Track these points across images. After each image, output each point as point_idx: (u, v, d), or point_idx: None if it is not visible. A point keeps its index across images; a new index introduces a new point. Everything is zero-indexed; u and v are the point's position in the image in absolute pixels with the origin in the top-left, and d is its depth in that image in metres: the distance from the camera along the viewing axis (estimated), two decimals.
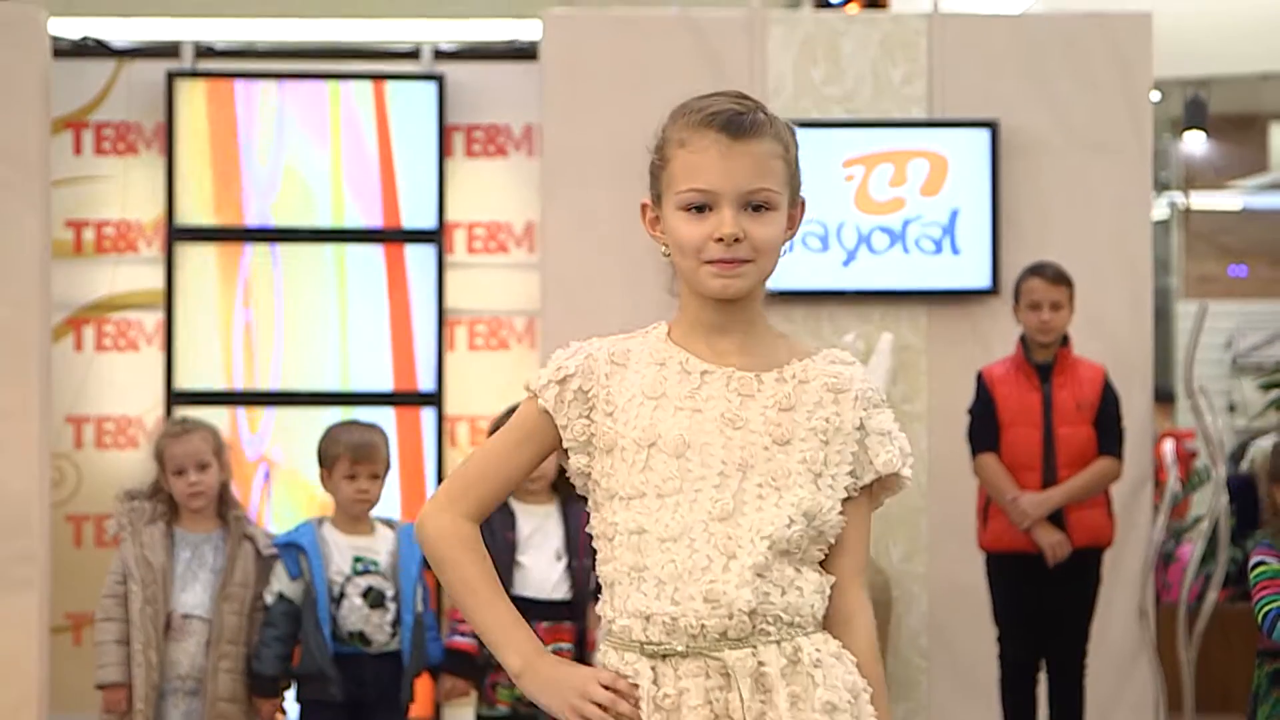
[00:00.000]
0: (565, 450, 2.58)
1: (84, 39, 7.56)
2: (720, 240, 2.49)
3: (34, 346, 6.58)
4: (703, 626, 2.45)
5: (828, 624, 2.53)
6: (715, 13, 7.05)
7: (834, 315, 6.92)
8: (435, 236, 7.38)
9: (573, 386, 2.55)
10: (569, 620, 5.20)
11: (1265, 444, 9.23)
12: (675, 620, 2.45)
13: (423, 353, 7.37)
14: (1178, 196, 13.15)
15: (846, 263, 6.92)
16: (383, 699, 5.23)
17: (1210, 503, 7.32)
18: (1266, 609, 4.58)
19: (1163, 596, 7.88)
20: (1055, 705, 6.24)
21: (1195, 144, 12.68)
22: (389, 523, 5.38)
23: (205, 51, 7.60)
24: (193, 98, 7.38)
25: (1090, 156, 6.98)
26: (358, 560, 5.22)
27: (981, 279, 6.92)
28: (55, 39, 6.96)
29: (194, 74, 7.43)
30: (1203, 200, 13.26)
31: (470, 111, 7.51)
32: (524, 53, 7.44)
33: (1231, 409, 11.63)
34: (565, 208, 6.86)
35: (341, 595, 5.17)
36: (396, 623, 5.21)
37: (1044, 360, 6.20)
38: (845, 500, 2.54)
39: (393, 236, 7.39)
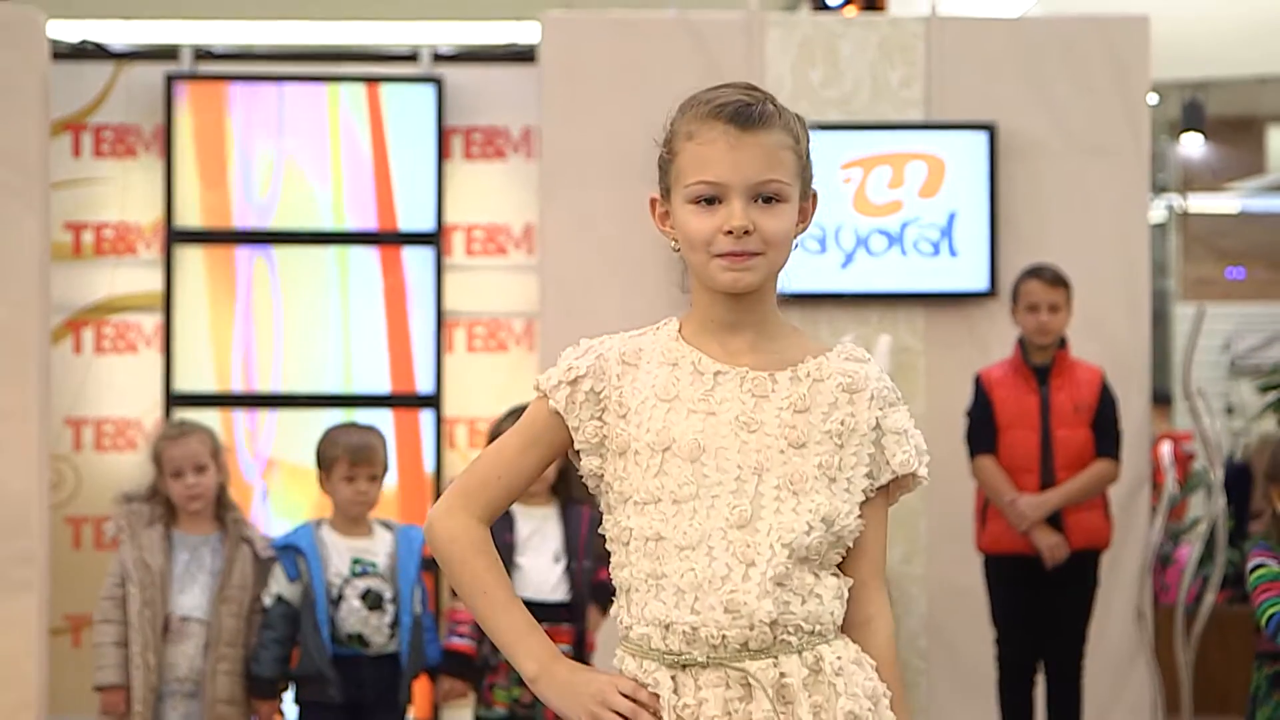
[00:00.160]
0: (577, 451, 2.54)
1: (83, 42, 7.57)
2: (730, 233, 2.45)
3: (33, 348, 6.59)
4: (724, 637, 2.41)
5: (847, 626, 2.51)
6: (713, 15, 7.06)
7: (832, 317, 6.93)
8: (434, 239, 7.39)
9: (584, 388, 2.51)
10: (568, 622, 5.20)
11: (1262, 430, 9.26)
12: (696, 630, 2.42)
13: (421, 355, 7.38)
14: (1175, 199, 13.17)
15: (844, 265, 6.93)
16: (381, 700, 5.23)
17: (1208, 504, 7.33)
18: (1270, 612, 4.58)
19: (1160, 598, 7.88)
20: (1053, 706, 6.24)
21: (1193, 147, 12.69)
22: (387, 525, 5.38)
23: (204, 54, 7.61)
24: (191, 100, 7.39)
25: (1088, 159, 6.99)
26: (356, 562, 5.22)
27: (979, 281, 6.93)
28: (54, 42, 6.97)
29: (193, 77, 7.44)
30: (1200, 203, 13.28)
31: (469, 114, 7.52)
32: (523, 55, 7.45)
33: (1229, 411, 11.63)
34: (564, 210, 6.86)
35: (340, 597, 5.18)
36: (395, 624, 5.21)
37: (1042, 362, 6.21)
38: (862, 501, 2.50)
39: (392, 239, 7.40)
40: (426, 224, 7.40)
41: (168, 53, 7.58)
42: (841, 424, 2.48)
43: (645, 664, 2.46)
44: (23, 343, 6.57)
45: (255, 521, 6.55)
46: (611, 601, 2.57)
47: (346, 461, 5.25)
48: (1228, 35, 10.52)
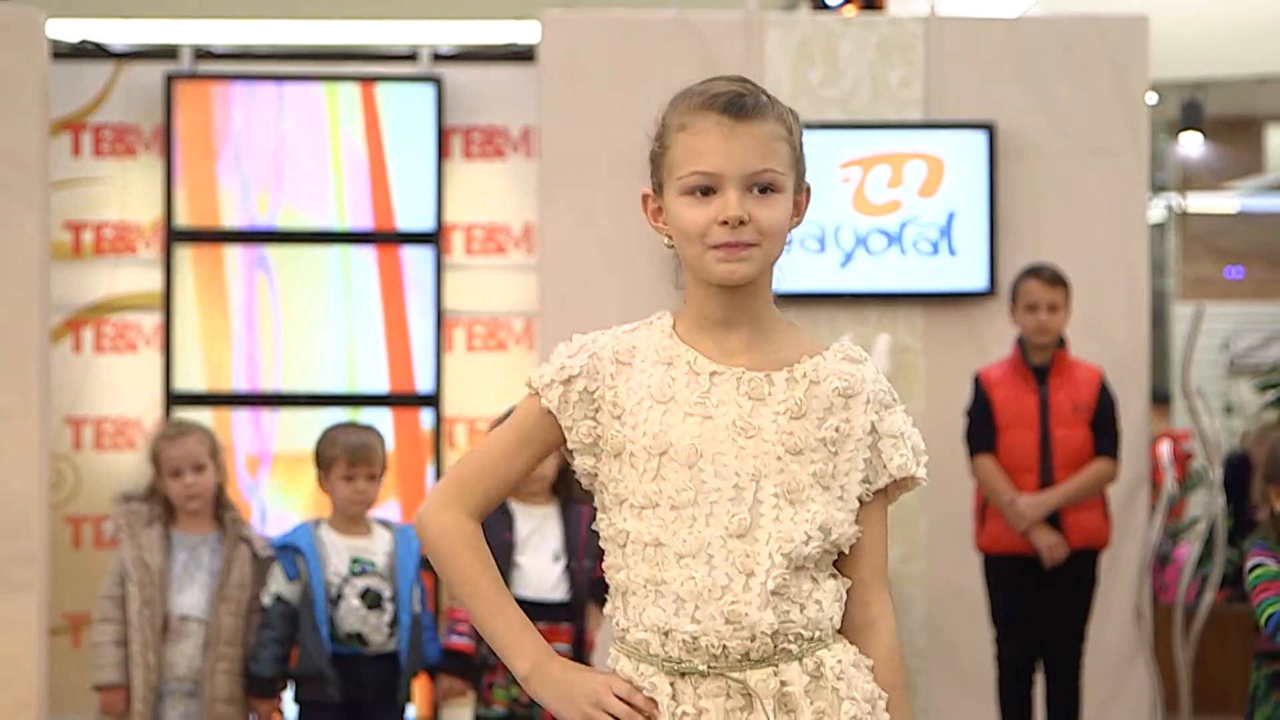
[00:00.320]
0: (569, 450, 2.53)
1: (83, 41, 7.57)
2: (725, 223, 2.43)
3: (33, 348, 6.59)
4: (724, 648, 2.41)
5: (850, 629, 2.50)
6: (713, 15, 7.06)
7: (831, 317, 6.94)
8: (433, 238, 7.39)
9: (577, 388, 2.50)
10: (567, 621, 5.20)
11: (1262, 421, 9.24)
12: (696, 639, 2.41)
13: (421, 354, 7.38)
14: (1174, 198, 13.17)
15: (844, 264, 6.94)
16: (380, 700, 5.23)
17: (1207, 504, 7.34)
18: (1269, 611, 4.58)
19: (1159, 597, 7.89)
20: (1052, 706, 6.25)
21: (1191, 146, 12.70)
22: (386, 524, 5.39)
23: (204, 54, 7.61)
24: (191, 100, 7.40)
25: (1087, 159, 6.99)
26: (355, 561, 5.22)
27: (978, 281, 6.93)
28: (54, 41, 6.97)
29: (192, 76, 7.44)
30: (1199, 202, 13.28)
31: (468, 113, 7.52)
32: (522, 55, 7.45)
33: (1228, 410, 11.64)
34: (563, 209, 6.87)
35: (339, 596, 5.18)
36: (394, 623, 5.22)
37: (1041, 362, 6.21)
38: (859, 506, 2.49)
39: (391, 238, 7.41)
40: (426, 223, 7.40)
41: (167, 52, 7.59)
42: (836, 430, 2.47)
43: (643, 668, 2.45)
44: (22, 342, 6.58)
45: (254, 509, 6.57)
46: None
47: (345, 461, 5.25)
48: (1226, 35, 10.52)
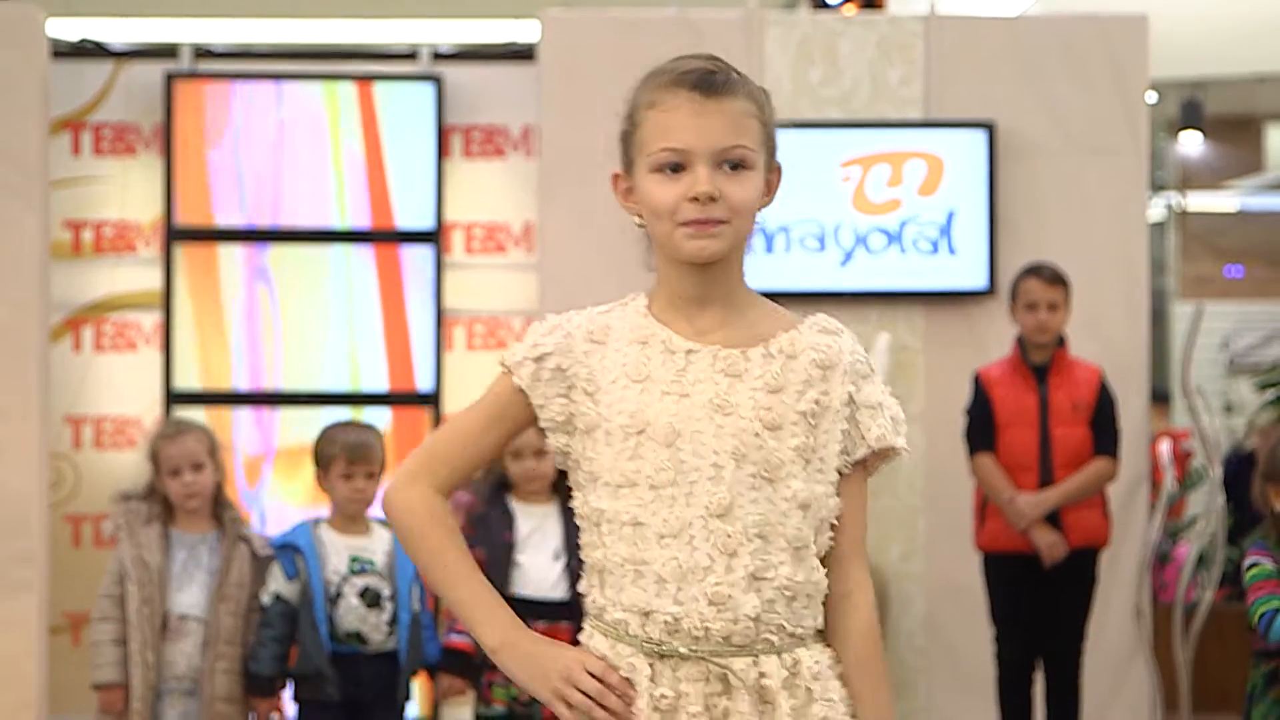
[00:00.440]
0: (541, 429, 2.51)
1: (82, 40, 7.57)
2: (695, 200, 2.41)
3: (33, 347, 6.59)
4: (707, 629, 2.40)
5: (828, 601, 2.48)
6: (713, 14, 7.06)
7: (831, 315, 6.92)
8: (433, 237, 7.39)
9: (550, 365, 2.49)
10: (567, 620, 5.20)
11: (1262, 419, 9.24)
12: (678, 620, 2.40)
13: (421, 353, 7.39)
14: (1174, 198, 13.18)
15: (843, 263, 6.94)
16: (380, 698, 5.24)
17: (1206, 502, 7.34)
18: (1262, 610, 4.60)
19: (1159, 596, 7.89)
20: (1052, 705, 6.25)
21: (1191, 145, 12.70)
22: (385, 522, 5.39)
23: (203, 53, 7.61)
24: (191, 99, 7.40)
25: (1086, 158, 6.99)
26: (354, 560, 5.22)
27: (978, 280, 6.93)
28: (54, 40, 6.97)
29: (192, 75, 7.44)
30: (1199, 201, 13.29)
31: (468, 112, 7.52)
32: (522, 54, 7.45)
33: (1228, 409, 11.65)
34: (563, 208, 6.87)
35: (338, 595, 5.18)
36: (393, 622, 5.22)
37: (1040, 361, 6.21)
38: (840, 477, 2.48)
39: (391, 237, 7.41)
40: (426, 222, 7.40)
41: (167, 51, 7.59)
42: (815, 403, 2.46)
43: (619, 648, 2.44)
44: (22, 341, 6.58)
45: (252, 515, 6.57)
46: None
47: (344, 459, 5.25)
48: (1226, 34, 10.53)
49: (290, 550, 5.21)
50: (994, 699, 6.31)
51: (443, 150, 7.43)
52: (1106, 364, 6.41)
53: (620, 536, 2.44)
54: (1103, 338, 6.79)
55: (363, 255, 7.42)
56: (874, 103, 7.01)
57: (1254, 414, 10.19)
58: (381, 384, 7.38)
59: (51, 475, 7.02)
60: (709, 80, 2.44)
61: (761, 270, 6.92)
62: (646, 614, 2.42)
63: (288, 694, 5.30)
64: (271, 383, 7.37)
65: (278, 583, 5.18)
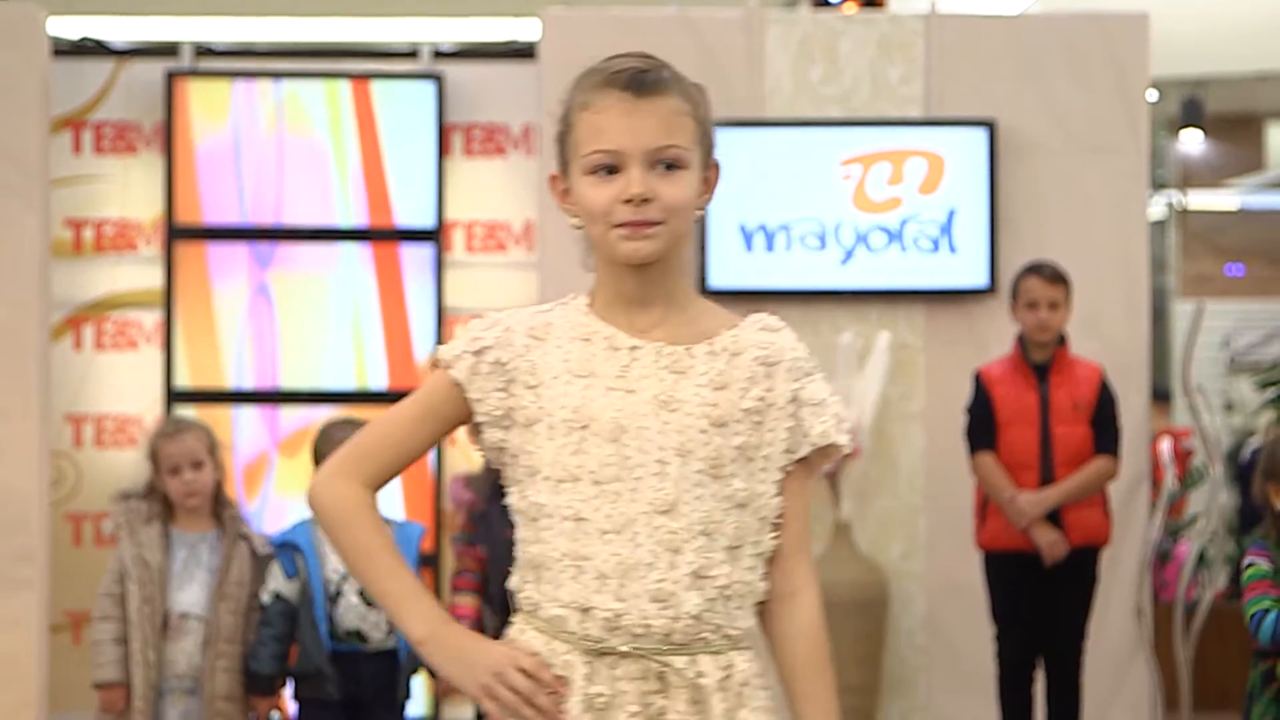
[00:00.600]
0: (476, 426, 2.48)
1: (83, 39, 7.57)
2: (629, 202, 2.39)
3: (33, 345, 6.60)
4: (648, 626, 2.37)
5: (772, 597, 2.46)
6: (713, 12, 7.06)
7: (831, 314, 6.94)
8: (434, 236, 7.40)
9: (489, 358, 2.46)
10: None
11: (1262, 418, 9.22)
12: (619, 617, 2.37)
13: (422, 352, 7.38)
14: (1174, 196, 13.17)
15: (844, 261, 6.94)
16: (380, 697, 5.24)
17: (1207, 501, 7.34)
18: (1253, 611, 4.62)
19: (1159, 595, 7.89)
20: (1052, 703, 6.25)
21: (1192, 143, 12.70)
22: (385, 521, 5.39)
23: (204, 51, 7.62)
24: (192, 97, 7.40)
25: (1087, 156, 7.00)
26: None
27: (979, 278, 6.93)
28: (54, 39, 6.97)
29: (193, 73, 7.44)
30: (1199, 200, 13.28)
31: (469, 111, 7.53)
32: (523, 52, 7.45)
33: (1228, 408, 11.65)
34: None
35: (338, 594, 5.18)
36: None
37: (1041, 360, 6.21)
38: (783, 475, 2.47)
39: (391, 236, 7.41)
40: (427, 221, 7.41)
41: (168, 49, 7.59)
42: (760, 400, 2.45)
43: (555, 645, 2.40)
44: (23, 340, 6.58)
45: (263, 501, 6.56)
46: None
47: None
48: (1227, 32, 10.53)
49: (290, 549, 5.21)
50: (994, 698, 6.30)
51: (443, 149, 7.44)
52: (1107, 362, 6.41)
53: (560, 531, 2.41)
54: (1103, 336, 6.79)
55: (364, 254, 7.42)
56: (875, 101, 7.01)
57: (1254, 412, 10.20)
58: (382, 382, 7.38)
59: (52, 474, 7.02)
60: (640, 80, 2.42)
61: (762, 269, 6.92)
62: (586, 610, 2.38)
63: (288, 692, 5.31)
64: (272, 381, 7.37)
65: (277, 581, 5.19)
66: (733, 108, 6.94)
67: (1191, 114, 12.08)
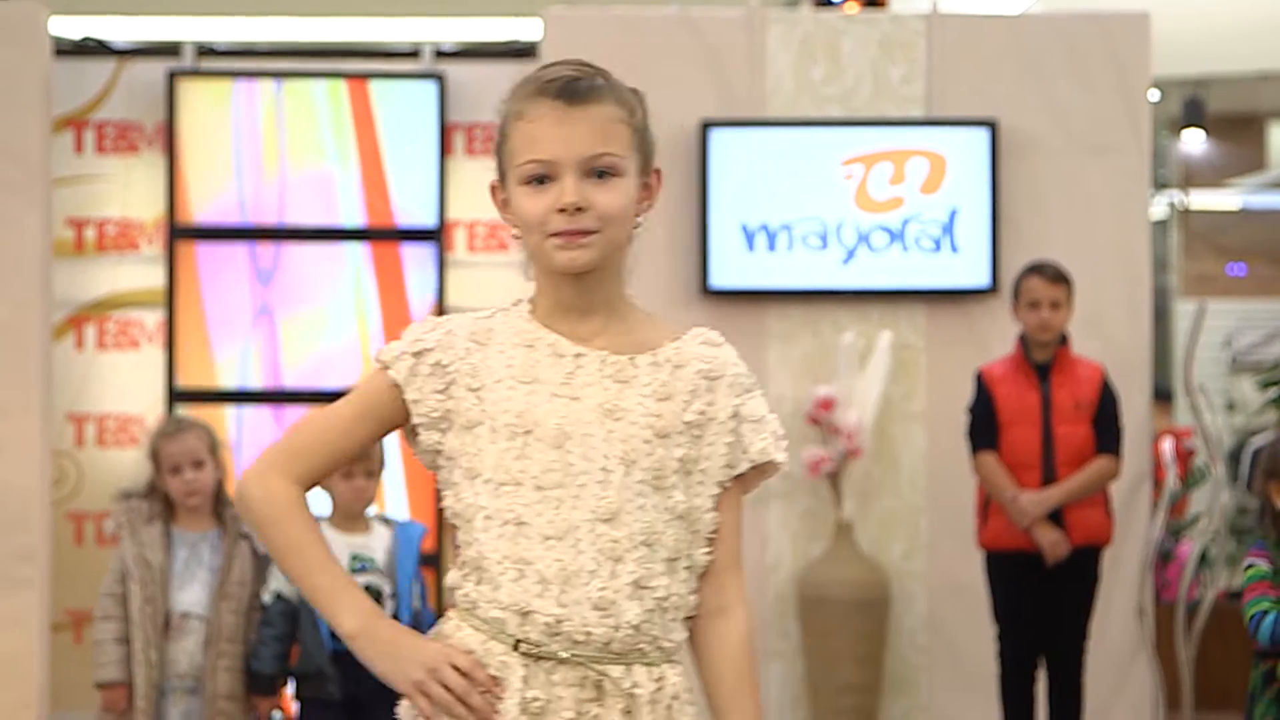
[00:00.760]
0: (413, 428, 2.46)
1: (85, 38, 7.57)
2: (563, 210, 2.39)
3: (35, 345, 6.60)
4: (589, 634, 2.36)
5: (704, 612, 2.46)
6: (715, 12, 7.06)
7: (833, 314, 6.94)
8: (436, 235, 7.40)
9: (429, 360, 2.44)
10: None
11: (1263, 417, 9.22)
12: (560, 623, 2.36)
13: None
14: (1176, 196, 13.17)
15: (846, 261, 6.94)
16: (381, 697, 5.18)
17: (1209, 500, 7.34)
18: (1252, 612, 4.62)
19: (1161, 595, 7.89)
20: (1054, 703, 6.25)
21: (1194, 143, 12.69)
22: (386, 520, 5.39)
23: (206, 51, 7.62)
24: (194, 97, 7.40)
25: (1089, 156, 7.00)
26: (355, 558, 5.22)
27: (981, 278, 6.93)
28: (56, 38, 6.98)
29: (195, 73, 7.44)
30: (1201, 199, 13.27)
31: (471, 110, 7.52)
32: (524, 51, 7.45)
33: (1230, 407, 11.64)
34: None
35: None
36: (394, 620, 5.21)
37: (1043, 359, 6.21)
38: (720, 491, 2.46)
39: (393, 235, 7.41)
40: (428, 220, 7.41)
41: (170, 49, 7.59)
42: (701, 414, 2.44)
43: (492, 645, 2.39)
44: (25, 339, 6.58)
45: None
46: None
47: None
48: (1228, 32, 10.52)
49: None
50: (996, 698, 6.30)
51: (445, 148, 7.44)
52: (1109, 362, 6.41)
53: (500, 534, 2.39)
54: (1105, 336, 6.79)
55: (366, 253, 7.42)
56: (876, 101, 7.01)
57: (1256, 412, 10.19)
58: None
59: (54, 473, 7.02)
60: (572, 88, 2.41)
61: (764, 269, 6.92)
62: (526, 614, 2.37)
63: (289, 692, 5.31)
64: (274, 381, 7.37)
65: (279, 581, 5.19)
66: (734, 107, 6.94)
67: (1193, 114, 12.07)
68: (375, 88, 7.45)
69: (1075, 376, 6.20)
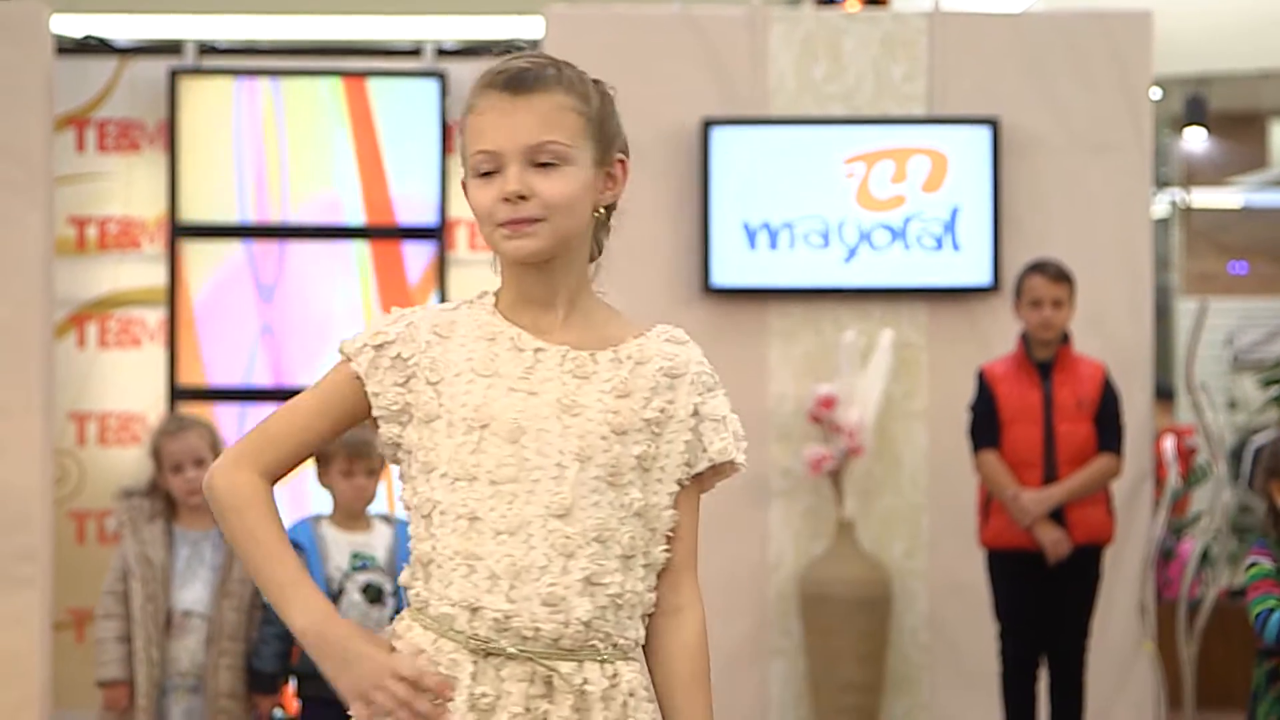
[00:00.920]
0: (375, 420, 2.46)
1: (86, 37, 7.57)
2: (507, 200, 2.39)
3: (36, 343, 6.60)
4: (538, 630, 2.35)
5: (658, 612, 2.45)
6: (717, 10, 7.06)
7: (834, 312, 6.94)
8: (437, 233, 7.40)
9: (390, 353, 2.44)
10: None
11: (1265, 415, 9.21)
12: (509, 619, 2.35)
13: None
14: (1178, 194, 13.15)
15: (847, 260, 6.94)
16: None
17: (1210, 499, 7.34)
18: (1258, 610, 4.61)
19: (1163, 593, 7.89)
20: (1056, 702, 6.25)
21: (1195, 141, 12.68)
22: (386, 518, 5.39)
23: (208, 49, 7.62)
24: (196, 95, 7.40)
25: (1090, 154, 6.99)
26: (356, 556, 5.22)
27: (982, 276, 6.93)
28: (58, 37, 6.98)
29: (197, 71, 7.44)
30: (1203, 197, 13.26)
31: None
32: (526, 50, 7.44)
33: (1232, 405, 11.63)
34: None
35: (340, 591, 5.18)
36: (395, 618, 5.21)
37: (1045, 358, 6.21)
38: (678, 489, 2.45)
39: (394, 233, 7.41)
40: (429, 218, 7.41)
41: (171, 47, 7.59)
42: (661, 411, 2.43)
43: (442, 643, 2.38)
44: (26, 338, 6.58)
45: None
46: None
47: (344, 456, 5.25)
48: (1230, 30, 10.51)
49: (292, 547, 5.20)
50: (998, 696, 6.31)
51: (446, 146, 7.44)
52: (1110, 360, 6.42)
53: (454, 529, 2.38)
54: (1107, 334, 6.79)
55: (366, 251, 7.42)
56: (878, 99, 7.01)
57: (1257, 410, 10.19)
58: None
59: (55, 471, 7.03)
60: (518, 79, 2.41)
61: (765, 267, 6.92)
62: (475, 610, 2.36)
63: (291, 690, 5.31)
64: (276, 379, 7.37)
65: None
66: (736, 105, 6.94)
67: (1195, 112, 12.05)
68: (377, 86, 7.46)
69: (1077, 375, 6.20)
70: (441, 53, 7.64)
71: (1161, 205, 12.83)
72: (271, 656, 5.18)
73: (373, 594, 5.19)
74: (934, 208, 6.94)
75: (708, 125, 6.88)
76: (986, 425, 6.21)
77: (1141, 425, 6.79)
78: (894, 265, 6.94)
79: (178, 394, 7.31)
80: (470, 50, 7.73)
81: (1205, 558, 7.62)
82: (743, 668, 6.80)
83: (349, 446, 5.25)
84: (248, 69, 7.49)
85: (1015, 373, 6.23)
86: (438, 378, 2.42)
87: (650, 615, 2.46)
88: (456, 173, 7.43)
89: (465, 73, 7.53)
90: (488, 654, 2.37)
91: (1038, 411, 6.16)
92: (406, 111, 7.43)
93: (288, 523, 5.55)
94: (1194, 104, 12.03)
